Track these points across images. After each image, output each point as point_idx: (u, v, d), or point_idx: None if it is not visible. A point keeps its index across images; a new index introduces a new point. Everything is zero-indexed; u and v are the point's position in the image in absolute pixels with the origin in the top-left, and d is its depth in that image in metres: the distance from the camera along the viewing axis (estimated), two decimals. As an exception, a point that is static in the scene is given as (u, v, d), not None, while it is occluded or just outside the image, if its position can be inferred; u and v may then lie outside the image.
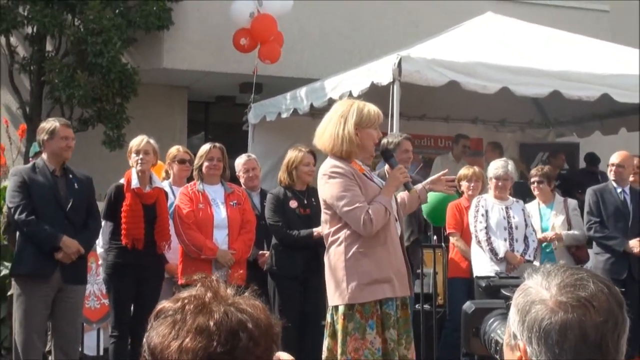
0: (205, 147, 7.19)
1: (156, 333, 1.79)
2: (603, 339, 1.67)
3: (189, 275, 1.83)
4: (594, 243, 8.30)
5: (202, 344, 1.74)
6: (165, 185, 7.58)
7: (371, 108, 5.26)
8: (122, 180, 6.95)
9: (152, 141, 6.97)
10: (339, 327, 5.19)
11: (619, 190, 8.27)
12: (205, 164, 7.05)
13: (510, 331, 1.78)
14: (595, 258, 8.18)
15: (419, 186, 5.56)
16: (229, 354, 1.74)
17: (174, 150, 7.88)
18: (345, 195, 5.13)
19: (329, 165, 5.25)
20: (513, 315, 1.76)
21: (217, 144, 7.20)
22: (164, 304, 1.84)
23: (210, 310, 1.78)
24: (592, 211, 8.21)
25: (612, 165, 8.32)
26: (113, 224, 6.87)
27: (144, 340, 1.83)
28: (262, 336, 1.80)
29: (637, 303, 7.97)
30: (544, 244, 8.54)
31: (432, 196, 8.17)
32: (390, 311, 5.15)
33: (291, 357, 2.08)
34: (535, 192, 8.75)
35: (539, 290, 1.73)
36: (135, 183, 6.79)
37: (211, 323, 1.76)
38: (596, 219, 8.17)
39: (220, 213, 6.95)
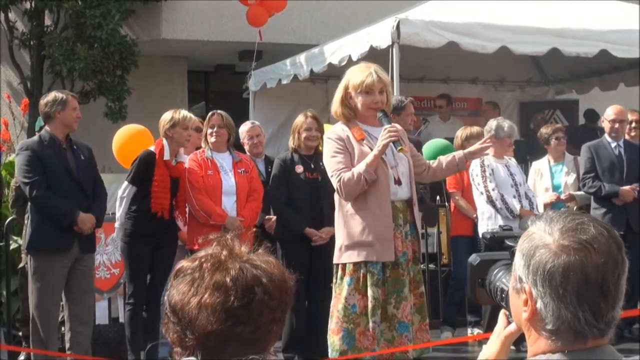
0: (208, 115, 7.28)
1: (177, 291, 1.89)
2: (604, 279, 1.75)
3: (205, 236, 1.88)
4: (592, 198, 8.37)
5: (220, 299, 1.84)
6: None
7: (358, 75, 5.33)
8: (152, 148, 6.97)
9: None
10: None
11: (613, 144, 8.31)
12: (208, 131, 7.13)
13: (516, 275, 1.87)
14: (593, 213, 8.23)
15: (459, 153, 5.68)
16: (245, 307, 1.85)
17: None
18: (330, 160, 5.38)
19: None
20: (518, 260, 1.85)
21: (218, 111, 7.26)
22: (183, 264, 1.94)
23: (227, 267, 1.88)
24: (587, 167, 8.27)
25: (611, 121, 8.36)
26: (136, 191, 6.87)
27: (165, 298, 1.93)
28: (276, 290, 1.90)
29: (636, 256, 8.07)
30: (556, 202, 8.61)
31: (432, 147, 8.30)
32: (374, 270, 5.27)
33: None
34: (558, 148, 8.73)
35: (543, 236, 1.81)
36: (167, 155, 6.83)
37: (228, 279, 1.86)
38: (590, 174, 8.23)
39: (229, 180, 7.02)
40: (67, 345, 6.70)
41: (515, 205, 7.63)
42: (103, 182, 6.93)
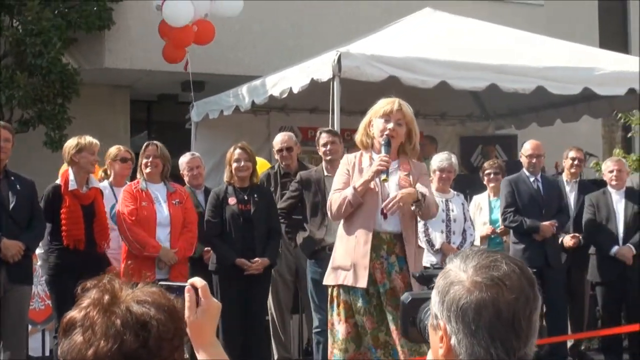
0: (143, 146, 7.25)
1: (69, 347, 1.83)
2: (515, 315, 1.78)
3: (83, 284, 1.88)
4: (512, 233, 8.48)
5: (116, 345, 1.78)
6: (106, 185, 7.60)
7: (382, 103, 5.51)
8: (59, 181, 6.93)
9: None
10: None
11: (532, 179, 8.47)
12: (143, 161, 7.10)
13: (432, 312, 1.89)
14: (513, 247, 8.34)
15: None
16: (143, 346, 1.80)
17: (114, 149, 7.84)
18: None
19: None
20: (434, 296, 1.88)
21: (153, 142, 7.25)
22: (70, 315, 1.88)
23: (113, 311, 1.83)
24: (508, 201, 8.36)
25: (528, 156, 8.51)
26: (52, 225, 6.86)
27: (59, 355, 1.85)
28: (169, 320, 1.86)
29: (557, 289, 8.23)
30: (492, 236, 8.73)
31: None
32: (357, 297, 5.35)
33: (205, 282, 2.18)
34: (490, 185, 8.88)
35: (457, 273, 1.85)
36: (72, 184, 6.78)
37: (118, 322, 1.80)
38: (511, 208, 8.33)
39: (163, 211, 7.00)
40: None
41: (437, 239, 7.68)
42: (42, 215, 6.84)
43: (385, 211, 5.36)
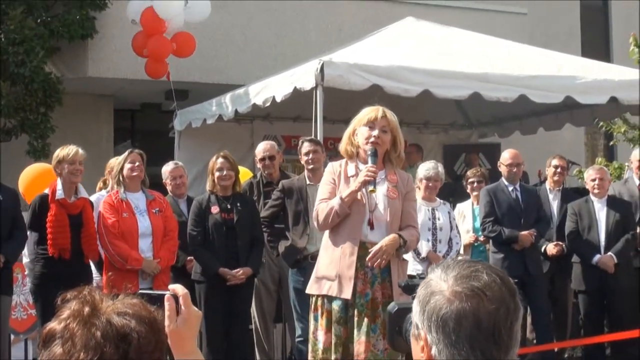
0: (124, 154, 7.20)
1: (49, 359, 1.82)
2: (496, 326, 1.79)
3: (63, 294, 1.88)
4: (491, 242, 8.49)
5: (96, 357, 1.77)
6: (104, 194, 7.59)
7: (366, 111, 5.45)
8: (47, 191, 6.92)
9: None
10: None
11: (510, 188, 8.47)
12: (128, 166, 7.04)
13: (414, 322, 1.90)
14: (492, 257, 8.33)
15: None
16: (124, 358, 1.79)
17: (114, 160, 7.84)
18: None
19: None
20: (415, 306, 1.88)
21: (135, 149, 7.25)
22: (50, 327, 1.86)
23: (93, 323, 1.81)
24: (487, 211, 8.36)
25: (508, 165, 8.52)
26: (38, 234, 6.84)
27: None
28: (149, 332, 1.85)
29: (540, 297, 8.25)
30: (476, 243, 8.75)
31: None
32: (337, 307, 5.31)
33: (186, 291, 2.18)
34: (474, 193, 8.87)
35: (438, 282, 1.85)
36: (60, 194, 6.77)
37: (98, 334, 1.79)
38: (490, 218, 8.33)
39: (144, 221, 6.96)
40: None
41: (423, 248, 7.67)
42: (24, 225, 6.83)
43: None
